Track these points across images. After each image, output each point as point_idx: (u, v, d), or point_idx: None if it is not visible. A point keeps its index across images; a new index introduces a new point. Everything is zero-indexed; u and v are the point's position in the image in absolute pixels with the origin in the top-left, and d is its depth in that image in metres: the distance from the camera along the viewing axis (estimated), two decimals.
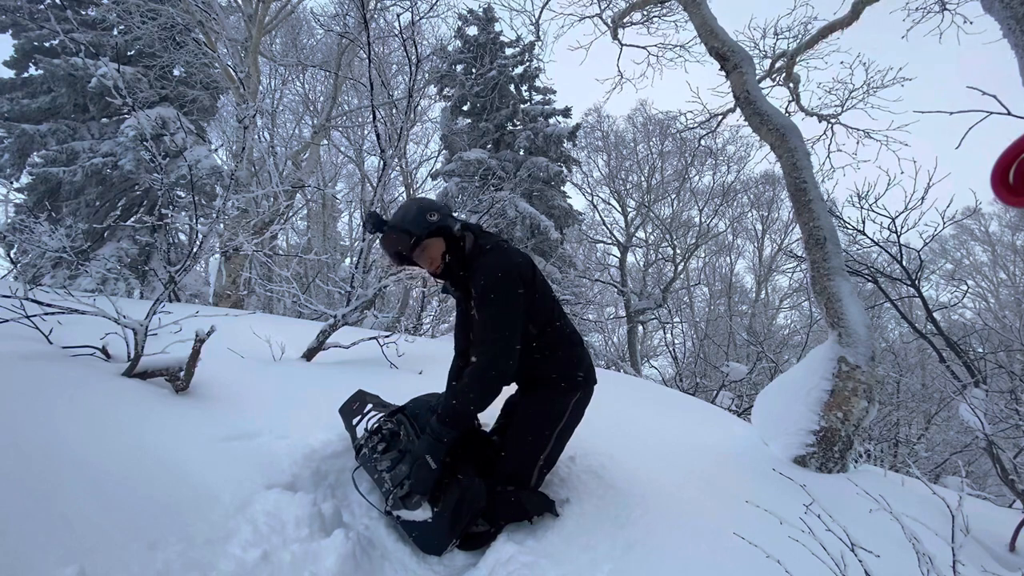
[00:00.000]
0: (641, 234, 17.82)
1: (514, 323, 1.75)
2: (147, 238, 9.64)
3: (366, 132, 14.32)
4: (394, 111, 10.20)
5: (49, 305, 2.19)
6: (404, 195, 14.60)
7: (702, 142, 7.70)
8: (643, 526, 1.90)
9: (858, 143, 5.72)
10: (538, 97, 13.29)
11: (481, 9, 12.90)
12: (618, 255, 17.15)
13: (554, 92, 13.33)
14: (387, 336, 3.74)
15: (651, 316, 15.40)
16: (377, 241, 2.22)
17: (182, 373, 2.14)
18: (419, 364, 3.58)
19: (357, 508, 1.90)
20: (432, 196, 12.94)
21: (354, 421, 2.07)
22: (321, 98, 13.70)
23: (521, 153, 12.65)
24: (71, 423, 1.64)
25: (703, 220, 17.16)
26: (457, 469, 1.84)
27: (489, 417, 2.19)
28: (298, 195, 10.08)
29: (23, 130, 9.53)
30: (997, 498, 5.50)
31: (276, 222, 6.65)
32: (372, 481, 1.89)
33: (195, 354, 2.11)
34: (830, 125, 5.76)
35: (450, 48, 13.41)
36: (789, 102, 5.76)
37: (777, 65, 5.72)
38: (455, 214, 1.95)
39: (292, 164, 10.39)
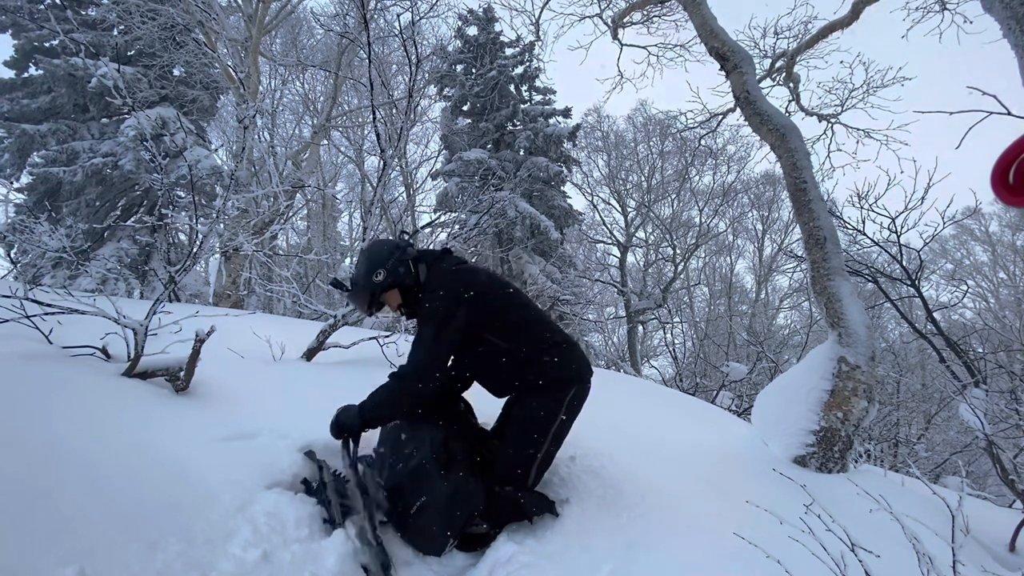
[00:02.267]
0: (641, 234, 17.82)
1: (445, 340, 1.83)
2: (147, 238, 9.64)
3: (366, 132, 14.32)
4: (394, 111, 10.20)
5: (49, 305, 2.19)
6: (404, 195, 14.63)
7: (702, 142, 7.69)
8: (643, 526, 1.90)
9: (858, 143, 5.72)
10: (538, 97, 13.29)
11: (481, 9, 12.91)
12: (618, 255, 17.14)
13: (554, 92, 13.33)
14: (387, 336, 3.74)
15: (651, 316, 15.40)
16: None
17: (182, 373, 2.14)
18: None
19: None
20: (432, 196, 12.93)
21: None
22: (321, 98, 13.69)
23: (521, 153, 12.65)
24: (71, 423, 1.64)
25: (703, 220, 17.17)
26: (457, 468, 1.84)
27: (489, 417, 2.19)
28: (298, 195, 10.07)
29: (23, 130, 9.53)
30: (997, 498, 5.51)
31: (276, 222, 6.65)
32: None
33: (195, 354, 2.11)
34: (830, 125, 5.76)
35: (450, 48, 13.41)
36: (789, 102, 5.76)
37: (777, 65, 5.72)
38: (412, 249, 2.04)
39: (292, 164, 10.39)
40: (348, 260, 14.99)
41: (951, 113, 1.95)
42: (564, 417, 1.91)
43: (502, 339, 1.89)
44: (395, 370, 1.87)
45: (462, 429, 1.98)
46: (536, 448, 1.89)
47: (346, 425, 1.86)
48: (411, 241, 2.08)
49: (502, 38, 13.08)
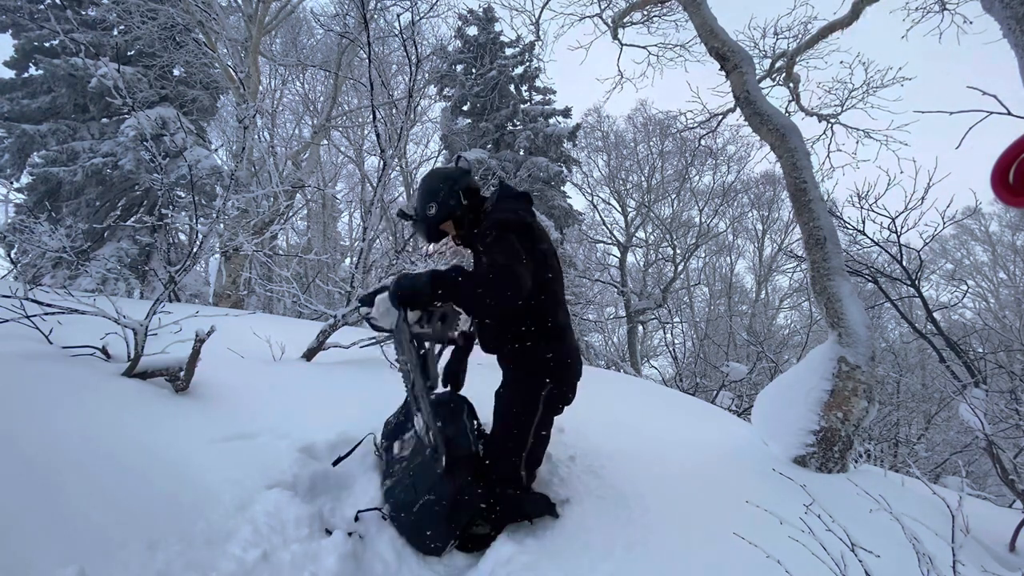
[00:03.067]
0: (641, 234, 17.82)
1: (518, 252, 1.68)
2: (147, 238, 9.64)
3: (366, 132, 14.32)
4: (394, 111, 10.19)
5: (49, 305, 2.19)
6: (404, 195, 14.61)
7: (702, 142, 7.68)
8: (643, 526, 1.90)
9: (858, 143, 5.71)
10: (538, 97, 13.29)
11: (481, 9, 12.91)
12: (618, 255, 17.14)
13: (554, 92, 13.33)
14: (387, 336, 3.74)
15: (651, 316, 15.39)
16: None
17: (182, 373, 2.14)
18: None
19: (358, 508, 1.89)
20: None
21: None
22: (321, 98, 13.69)
23: (521, 153, 12.65)
24: (71, 423, 1.64)
25: (703, 220, 17.16)
26: (462, 470, 1.83)
27: (487, 418, 2.19)
28: (298, 195, 10.07)
29: (23, 130, 9.53)
30: (997, 498, 5.50)
31: (276, 222, 6.65)
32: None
33: (195, 354, 2.11)
34: (830, 125, 5.75)
35: (450, 48, 13.41)
36: (789, 102, 5.76)
37: (777, 65, 5.71)
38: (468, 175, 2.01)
39: (292, 164, 10.38)
40: (348, 260, 14.99)
41: (951, 113, 1.95)
42: (543, 413, 1.86)
43: (537, 293, 1.80)
44: (484, 267, 1.65)
45: (463, 429, 1.99)
46: (519, 445, 1.85)
47: (416, 290, 1.63)
48: (468, 168, 2.05)
49: (502, 38, 13.08)
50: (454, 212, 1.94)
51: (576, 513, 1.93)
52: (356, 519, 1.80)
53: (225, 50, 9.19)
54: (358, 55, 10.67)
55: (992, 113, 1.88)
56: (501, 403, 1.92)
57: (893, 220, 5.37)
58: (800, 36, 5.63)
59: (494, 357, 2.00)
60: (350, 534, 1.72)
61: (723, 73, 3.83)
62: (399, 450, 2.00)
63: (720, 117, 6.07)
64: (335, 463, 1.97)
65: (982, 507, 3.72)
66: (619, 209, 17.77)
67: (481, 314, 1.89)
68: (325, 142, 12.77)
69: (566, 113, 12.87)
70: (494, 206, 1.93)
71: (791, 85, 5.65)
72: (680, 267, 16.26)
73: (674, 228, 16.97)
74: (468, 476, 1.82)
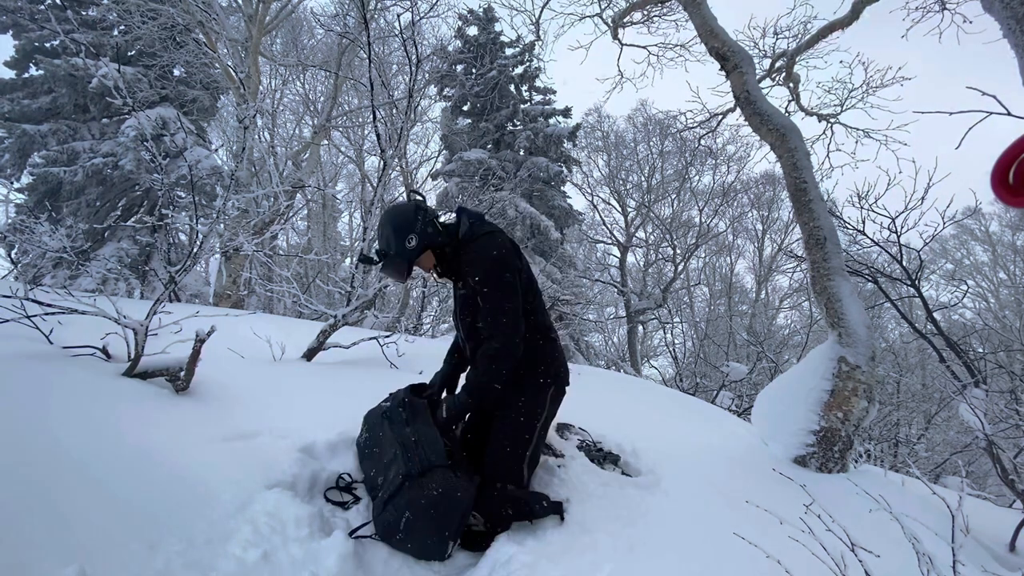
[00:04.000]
0: (641, 234, 17.82)
1: (515, 302, 1.85)
2: (147, 238, 9.65)
3: (366, 132, 14.31)
4: (394, 111, 10.19)
5: (49, 305, 2.19)
6: (404, 195, 14.61)
7: (702, 142, 7.67)
8: (643, 526, 1.90)
9: (857, 143, 5.70)
10: (538, 97, 13.29)
11: (481, 9, 12.91)
12: (618, 255, 17.14)
13: (554, 92, 13.33)
14: (387, 336, 3.74)
15: (651, 316, 15.39)
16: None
17: (182, 373, 2.14)
18: (419, 364, 3.58)
19: (358, 508, 1.90)
20: (432, 196, 12.93)
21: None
22: (321, 98, 13.69)
23: (521, 153, 12.65)
24: (71, 423, 1.64)
25: (703, 220, 17.14)
26: (437, 473, 1.80)
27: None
28: (298, 195, 10.07)
29: (24, 130, 9.54)
30: (997, 498, 5.50)
31: (276, 222, 6.65)
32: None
33: (195, 354, 2.11)
34: (830, 125, 5.75)
35: (450, 48, 13.40)
36: (789, 102, 5.75)
37: (777, 65, 5.71)
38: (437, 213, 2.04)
39: (292, 164, 10.38)
40: (348, 260, 14.99)
41: (951, 113, 1.95)
42: (548, 413, 1.98)
43: (529, 306, 1.95)
44: (484, 349, 1.85)
45: (431, 436, 1.91)
46: (525, 445, 1.93)
47: (458, 411, 1.91)
48: (423, 197, 2.06)
49: (502, 38, 13.09)
50: (434, 241, 1.92)
51: (577, 513, 1.93)
52: (352, 535, 1.73)
53: (225, 50, 9.19)
54: (358, 55, 10.67)
55: (992, 113, 1.88)
56: (507, 407, 1.93)
57: (893, 220, 5.36)
58: (800, 36, 5.63)
59: None
60: (350, 534, 1.72)
61: (723, 73, 3.83)
62: (373, 472, 1.94)
63: (720, 117, 6.06)
64: (351, 533, 1.76)
65: (982, 507, 3.72)
66: (619, 209, 17.78)
67: (500, 387, 1.90)
68: (325, 142, 12.77)
69: (566, 113, 12.88)
70: (471, 230, 1.94)
71: (791, 85, 5.65)
72: (680, 267, 16.24)
73: (674, 228, 16.97)
74: (450, 478, 1.79)
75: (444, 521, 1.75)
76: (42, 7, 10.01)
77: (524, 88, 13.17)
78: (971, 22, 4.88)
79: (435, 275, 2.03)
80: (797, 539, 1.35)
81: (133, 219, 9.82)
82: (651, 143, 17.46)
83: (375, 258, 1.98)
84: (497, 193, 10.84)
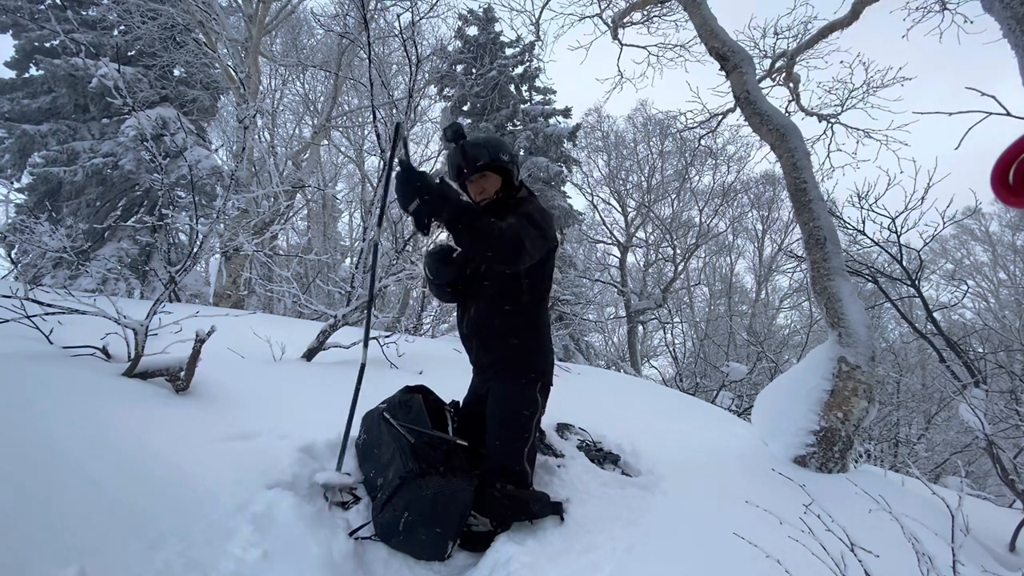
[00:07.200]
0: (641, 234, 17.81)
1: (542, 246, 1.78)
2: (147, 238, 9.65)
3: (366, 132, 14.31)
4: (394, 111, 10.19)
5: (49, 305, 2.19)
6: None
7: (702, 142, 7.68)
8: (643, 526, 1.90)
9: (858, 143, 5.70)
10: (538, 97, 13.28)
11: (481, 9, 12.90)
12: (618, 255, 17.13)
13: (554, 92, 13.32)
14: (387, 336, 3.75)
15: (651, 316, 15.39)
16: (446, 151, 2.28)
17: (182, 373, 2.14)
18: (419, 364, 3.58)
19: (357, 508, 1.90)
20: None
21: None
22: (321, 98, 13.69)
23: (521, 153, 12.64)
24: (71, 423, 1.64)
25: (703, 220, 17.15)
26: (433, 473, 1.81)
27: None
28: (298, 195, 10.07)
29: (24, 130, 9.53)
30: (997, 498, 5.50)
31: (276, 222, 6.65)
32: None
33: (195, 354, 2.11)
34: (830, 125, 5.75)
35: (450, 48, 13.40)
36: (789, 102, 5.75)
37: (777, 65, 5.71)
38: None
39: (292, 164, 10.38)
40: (348, 260, 14.99)
41: (951, 114, 1.95)
42: (541, 408, 1.99)
43: (542, 291, 1.97)
44: (503, 224, 1.68)
45: (429, 437, 1.92)
46: (524, 441, 1.93)
47: (440, 204, 1.57)
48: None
49: (502, 38, 13.07)
50: (517, 167, 2.00)
51: (577, 513, 1.93)
52: (352, 535, 1.74)
53: (225, 50, 9.19)
54: (358, 55, 10.67)
55: (992, 113, 1.88)
56: (502, 403, 1.93)
57: (893, 220, 5.37)
58: (800, 36, 5.63)
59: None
60: (350, 534, 1.72)
61: (723, 73, 3.83)
62: (372, 473, 1.95)
63: (720, 117, 6.06)
64: (351, 534, 1.76)
65: (982, 507, 3.72)
66: (619, 209, 17.78)
67: (473, 253, 1.78)
68: (325, 142, 12.78)
69: (566, 113, 12.86)
70: (530, 192, 2.04)
71: (791, 85, 5.65)
72: (680, 267, 16.24)
73: (674, 228, 16.97)
74: (447, 476, 1.80)
75: (443, 521, 1.75)
76: (42, 7, 10.00)
77: (524, 88, 13.16)
78: (971, 22, 4.88)
79: (487, 198, 1.93)
80: (797, 539, 1.35)
81: (133, 219, 9.81)
82: (651, 143, 17.47)
83: (464, 136, 1.83)
84: None
